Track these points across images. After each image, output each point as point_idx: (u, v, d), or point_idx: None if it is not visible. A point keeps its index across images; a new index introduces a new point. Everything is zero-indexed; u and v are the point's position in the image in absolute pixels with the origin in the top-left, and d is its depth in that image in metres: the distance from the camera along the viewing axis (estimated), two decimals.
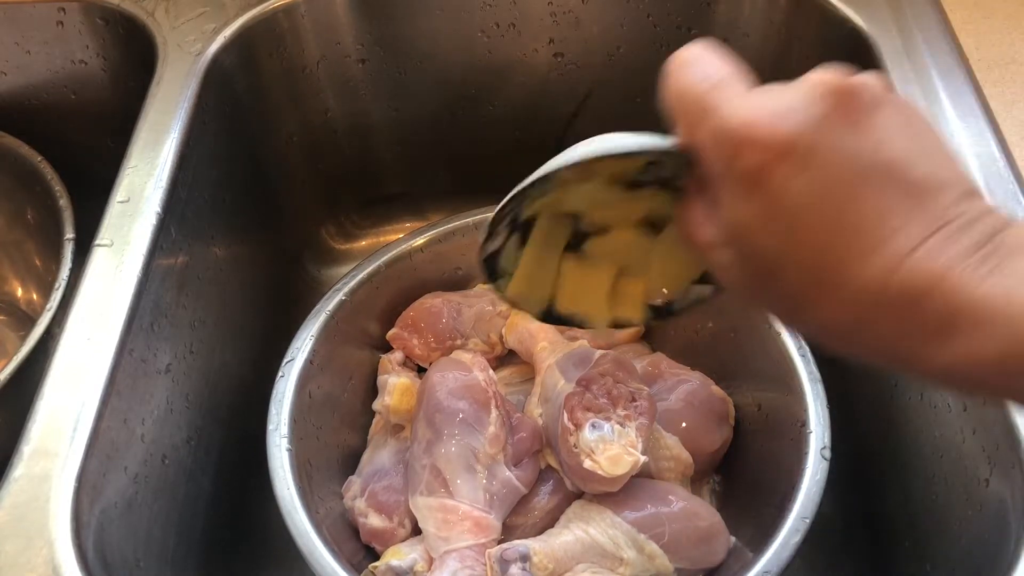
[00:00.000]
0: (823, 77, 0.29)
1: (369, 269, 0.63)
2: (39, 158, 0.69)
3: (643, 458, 0.53)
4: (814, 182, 0.27)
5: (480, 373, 0.58)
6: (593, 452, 0.52)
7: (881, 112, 0.28)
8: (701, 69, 0.30)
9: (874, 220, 0.27)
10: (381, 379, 0.62)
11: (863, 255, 0.27)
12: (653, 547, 0.53)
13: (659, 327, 0.67)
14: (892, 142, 0.28)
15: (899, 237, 0.27)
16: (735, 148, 0.28)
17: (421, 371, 0.63)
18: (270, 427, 0.55)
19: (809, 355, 0.56)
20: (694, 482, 0.59)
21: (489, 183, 0.77)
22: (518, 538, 0.53)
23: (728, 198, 0.30)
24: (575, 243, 0.39)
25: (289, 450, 0.54)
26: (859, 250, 0.27)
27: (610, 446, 0.52)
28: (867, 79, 0.29)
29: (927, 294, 0.27)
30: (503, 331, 0.64)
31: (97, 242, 0.53)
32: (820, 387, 0.54)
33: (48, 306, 0.59)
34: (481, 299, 0.65)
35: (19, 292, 0.80)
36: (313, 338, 0.59)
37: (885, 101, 0.28)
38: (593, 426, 0.53)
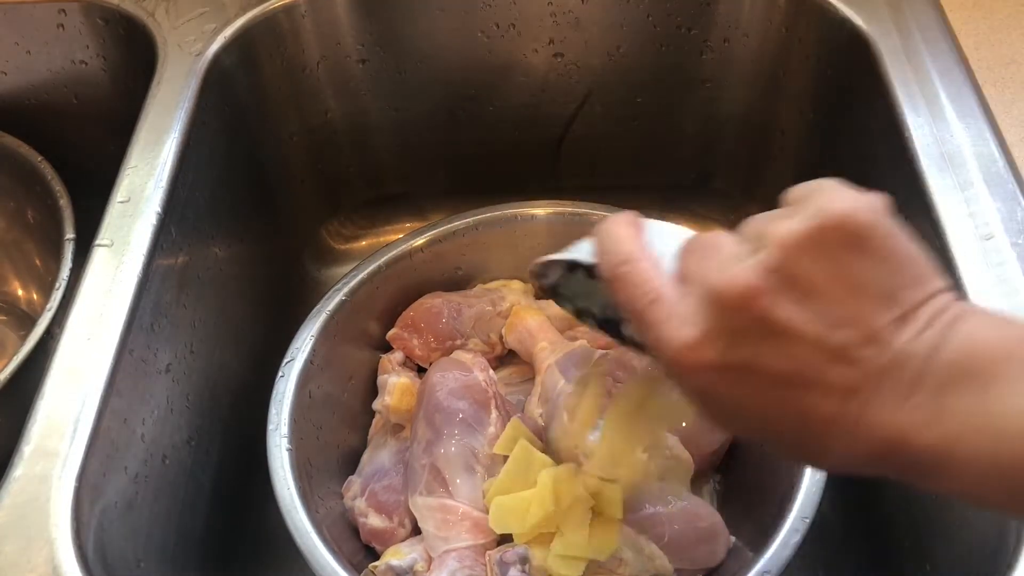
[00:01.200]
0: (718, 285, 0.30)
1: (369, 269, 0.63)
2: (39, 158, 0.69)
3: (643, 458, 0.53)
4: (751, 395, 0.31)
5: (480, 373, 0.58)
6: (593, 452, 0.52)
7: (791, 287, 0.29)
8: (638, 280, 0.33)
9: (816, 407, 0.30)
10: (381, 379, 0.62)
11: (825, 432, 0.30)
12: (653, 548, 0.53)
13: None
14: (810, 316, 0.29)
15: (845, 410, 0.29)
16: (677, 374, 0.32)
17: (421, 371, 0.63)
18: (270, 427, 0.55)
19: None
20: (694, 482, 0.59)
21: (489, 183, 0.77)
22: None
23: (693, 400, 0.33)
24: None
25: (289, 450, 0.54)
26: (820, 430, 0.30)
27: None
28: (768, 262, 0.30)
29: (890, 453, 0.30)
30: (503, 331, 0.64)
31: (97, 242, 0.53)
32: None
33: (48, 306, 0.59)
34: (481, 299, 0.65)
35: (19, 292, 0.80)
36: (313, 338, 0.59)
37: (795, 270, 0.29)
38: (594, 427, 0.52)
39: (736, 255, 0.31)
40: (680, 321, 0.31)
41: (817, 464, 0.33)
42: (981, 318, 0.30)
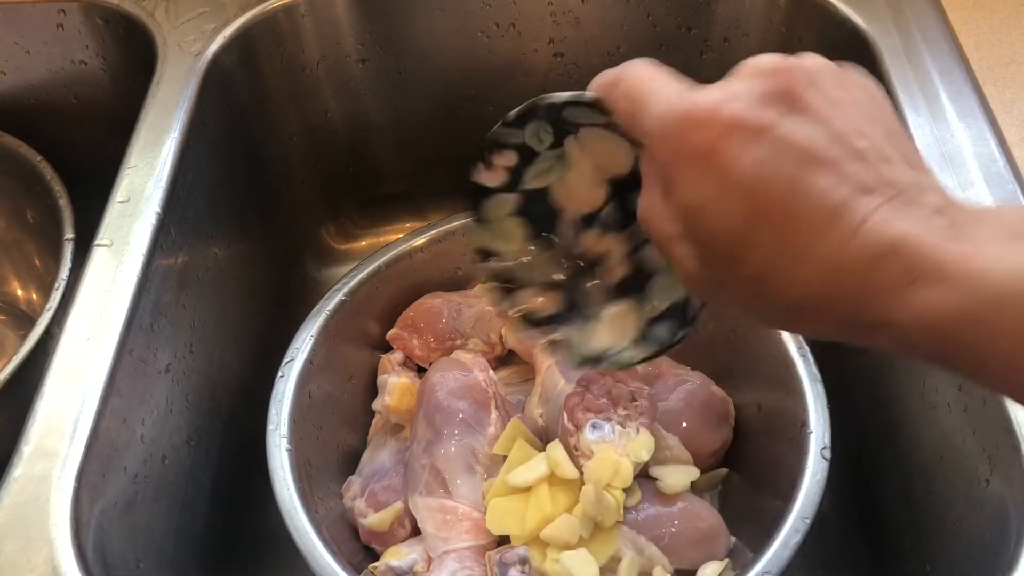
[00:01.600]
0: (759, 62, 0.30)
1: (369, 269, 0.63)
2: (39, 158, 0.68)
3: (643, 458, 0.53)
4: (763, 156, 0.28)
5: (480, 373, 0.58)
6: (594, 453, 0.52)
7: (819, 87, 0.29)
8: (644, 69, 0.32)
9: (826, 190, 0.27)
10: (381, 379, 0.62)
11: (820, 224, 0.27)
12: (653, 548, 0.53)
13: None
14: (834, 115, 0.28)
15: (855, 204, 0.27)
16: (683, 131, 0.29)
17: (421, 371, 0.63)
18: (270, 427, 0.55)
19: (809, 355, 0.56)
20: (694, 482, 0.59)
21: None
22: None
23: (680, 183, 0.30)
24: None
25: (289, 450, 0.54)
26: (816, 219, 0.27)
27: (610, 447, 0.52)
28: (803, 59, 0.30)
29: (887, 255, 0.27)
30: (503, 331, 0.64)
31: (97, 242, 0.53)
32: (820, 387, 0.54)
33: (48, 306, 0.59)
34: (481, 299, 0.65)
35: (19, 292, 0.80)
36: (313, 338, 0.59)
37: (823, 76, 0.29)
38: (594, 427, 0.53)
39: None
40: (703, 88, 0.30)
41: (794, 266, 0.28)
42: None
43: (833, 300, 0.28)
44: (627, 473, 0.52)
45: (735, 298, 0.31)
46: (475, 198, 0.38)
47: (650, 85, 0.32)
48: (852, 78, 0.30)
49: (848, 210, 0.27)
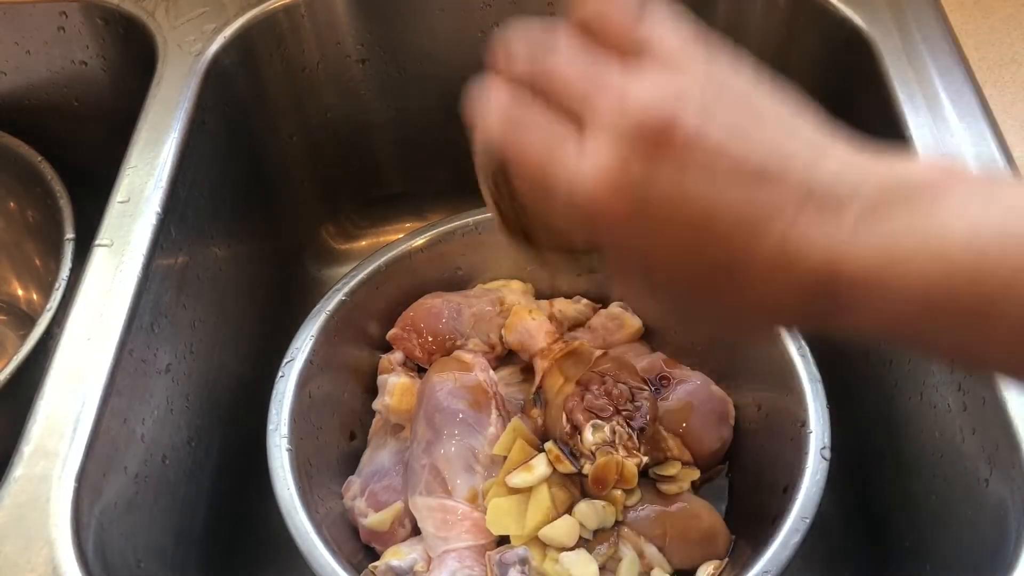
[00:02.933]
0: (623, 124, 0.28)
1: (369, 269, 0.63)
2: (39, 158, 0.68)
3: (644, 458, 0.53)
4: (671, 216, 0.28)
5: (481, 374, 0.58)
6: (594, 454, 0.52)
7: (692, 122, 0.27)
8: (532, 134, 0.30)
9: (740, 215, 0.27)
10: (381, 379, 0.62)
11: (752, 241, 0.27)
12: (652, 549, 0.53)
13: (659, 327, 0.67)
14: (717, 146, 0.27)
15: (773, 222, 0.27)
16: (590, 222, 0.29)
17: (421, 371, 0.63)
18: (270, 427, 0.55)
19: (809, 355, 0.56)
20: (694, 482, 0.59)
21: None
22: None
23: (611, 253, 0.31)
24: None
25: (289, 450, 0.54)
26: (745, 239, 0.27)
27: (610, 447, 0.52)
28: (663, 104, 0.28)
29: (826, 281, 0.27)
30: (503, 331, 0.64)
31: (97, 242, 0.53)
32: (820, 387, 0.54)
33: (48, 306, 0.59)
34: (481, 299, 0.65)
35: (19, 292, 0.80)
36: (313, 338, 0.59)
37: (689, 96, 0.28)
38: (593, 427, 0.53)
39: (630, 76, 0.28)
40: (584, 161, 0.28)
41: (755, 313, 0.29)
42: (906, 157, 0.28)
43: (802, 321, 0.29)
44: (631, 475, 0.52)
45: (703, 316, 0.32)
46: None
47: (545, 169, 0.29)
48: (721, 72, 0.29)
49: (767, 243, 0.27)
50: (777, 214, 0.27)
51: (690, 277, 0.29)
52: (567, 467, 0.52)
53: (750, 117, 0.28)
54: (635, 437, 0.53)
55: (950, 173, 0.27)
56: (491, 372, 0.59)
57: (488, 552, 0.52)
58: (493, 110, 0.31)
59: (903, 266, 0.26)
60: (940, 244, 0.26)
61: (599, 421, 0.53)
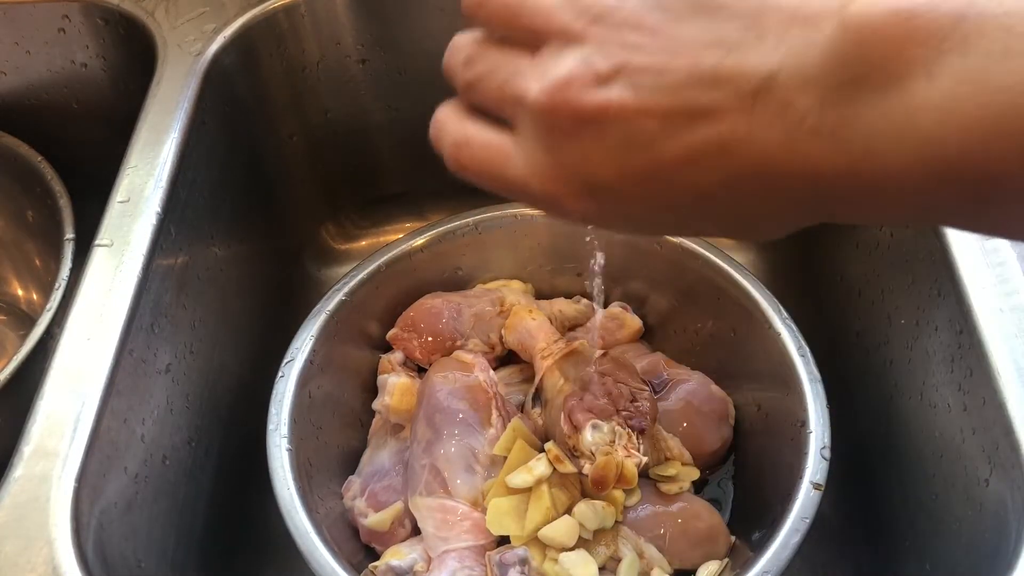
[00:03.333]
0: (534, 118, 0.27)
1: (369, 269, 0.63)
2: (39, 158, 0.68)
3: (644, 458, 0.53)
4: (623, 179, 0.27)
5: (481, 374, 0.58)
6: (594, 454, 0.52)
7: (589, 88, 0.26)
8: (475, 149, 0.30)
9: (688, 153, 0.25)
10: (381, 379, 0.62)
11: (713, 173, 0.26)
12: (652, 549, 0.53)
13: (659, 327, 0.67)
14: (626, 97, 0.25)
15: (727, 146, 0.25)
16: (557, 212, 0.29)
17: (421, 371, 0.63)
18: (270, 427, 0.55)
19: (809, 355, 0.56)
20: (694, 482, 0.59)
21: None
22: None
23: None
24: None
25: (289, 450, 0.54)
26: (704, 173, 0.26)
27: (610, 447, 0.52)
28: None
29: (810, 193, 0.25)
30: (503, 331, 0.64)
31: (97, 242, 0.53)
32: (820, 387, 0.54)
33: (48, 306, 0.59)
34: (481, 299, 0.65)
35: (19, 292, 0.80)
36: (313, 338, 0.59)
37: (580, 67, 0.26)
38: (593, 427, 0.52)
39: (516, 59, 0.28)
40: (523, 154, 0.28)
41: (752, 224, 0.28)
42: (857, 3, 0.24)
43: (802, 225, 0.28)
44: (631, 475, 0.52)
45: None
46: None
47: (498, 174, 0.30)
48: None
49: (726, 157, 0.25)
50: (726, 137, 0.25)
51: (667, 219, 0.29)
52: (567, 467, 0.52)
53: (656, 33, 0.25)
54: (635, 437, 0.53)
55: (913, 23, 0.23)
56: (491, 372, 0.59)
57: (488, 552, 0.52)
58: (438, 132, 0.32)
59: (881, 159, 0.23)
60: (916, 131, 0.23)
61: (599, 421, 0.53)
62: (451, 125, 0.31)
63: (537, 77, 0.27)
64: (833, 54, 0.24)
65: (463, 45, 0.31)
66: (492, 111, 0.30)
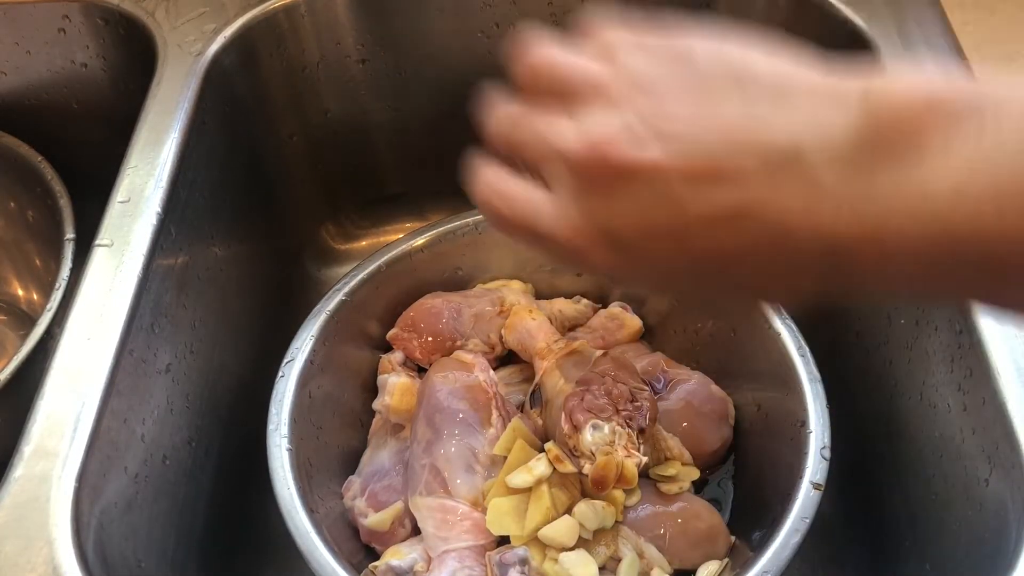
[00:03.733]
0: (567, 173, 0.29)
1: (369, 269, 0.63)
2: (39, 158, 0.68)
3: (644, 459, 0.53)
4: (647, 237, 0.28)
5: (481, 374, 0.58)
6: (594, 454, 0.52)
7: (624, 146, 0.27)
8: (508, 202, 0.32)
9: (712, 214, 0.27)
10: (381, 379, 0.62)
11: (734, 235, 0.27)
12: (652, 549, 0.53)
13: (659, 327, 0.67)
14: (659, 158, 0.27)
15: (749, 209, 0.26)
16: (580, 265, 0.31)
17: (421, 371, 0.63)
18: (270, 427, 0.55)
19: (809, 355, 0.56)
20: (694, 482, 0.59)
21: None
22: None
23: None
24: None
25: (289, 450, 0.54)
26: (726, 235, 0.27)
27: (610, 447, 0.52)
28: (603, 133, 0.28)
29: (828, 257, 0.26)
30: (503, 331, 0.64)
31: (97, 242, 0.53)
32: (820, 387, 0.54)
33: (48, 306, 0.59)
34: (481, 299, 0.65)
35: (19, 292, 0.80)
36: (313, 338, 0.59)
37: (617, 126, 0.28)
38: (593, 427, 0.52)
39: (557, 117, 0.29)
40: (554, 207, 0.30)
41: (765, 293, 0.30)
42: (882, 78, 0.26)
43: (817, 298, 0.29)
44: (631, 475, 0.52)
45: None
46: None
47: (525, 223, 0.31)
48: (651, 70, 0.29)
49: (756, 245, 0.27)
50: (750, 202, 0.26)
51: (687, 278, 0.30)
52: (567, 467, 0.52)
53: (692, 103, 0.27)
54: (635, 437, 0.53)
55: (932, 105, 0.24)
56: (491, 372, 0.59)
57: (488, 552, 0.52)
58: (478, 185, 0.33)
59: (896, 231, 0.24)
60: (930, 206, 0.24)
61: (599, 421, 0.53)
62: (494, 182, 0.32)
63: (578, 133, 0.29)
64: (855, 130, 0.25)
65: (506, 109, 0.32)
66: (531, 169, 0.31)
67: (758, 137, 0.26)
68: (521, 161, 0.32)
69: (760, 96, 0.27)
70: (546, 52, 0.31)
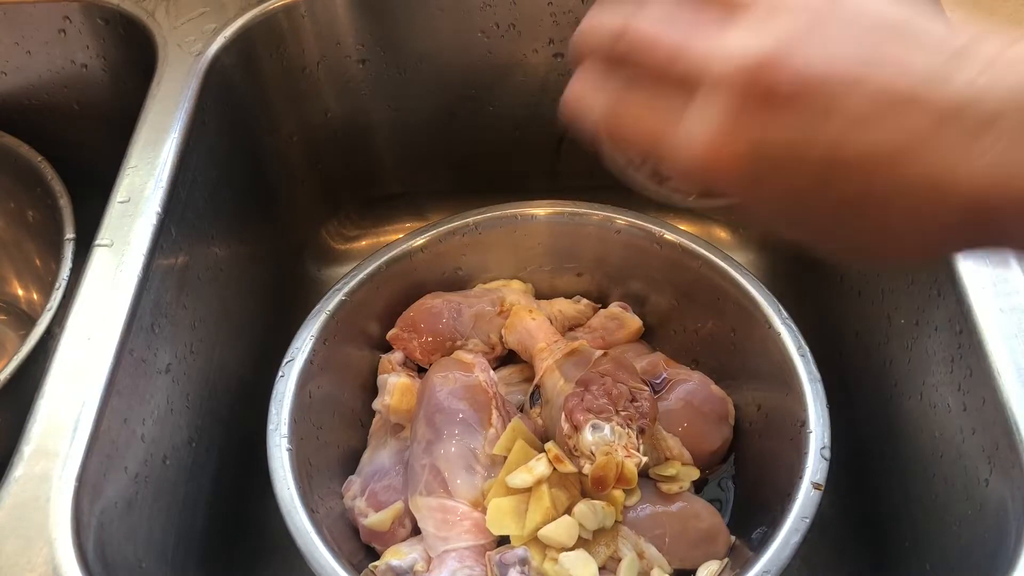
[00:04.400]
0: (725, 82, 0.27)
1: (369, 269, 0.63)
2: (39, 158, 0.69)
3: (643, 458, 0.53)
4: (796, 166, 0.27)
5: (481, 374, 0.58)
6: (594, 454, 0.52)
7: (798, 64, 0.26)
8: (631, 114, 0.30)
9: (870, 151, 0.26)
10: (381, 379, 0.62)
11: (887, 176, 0.26)
12: (652, 549, 0.53)
13: (659, 327, 0.67)
14: (831, 83, 0.26)
15: (910, 153, 0.26)
16: (713, 185, 0.29)
17: (421, 371, 0.63)
18: (270, 427, 0.55)
19: (809, 355, 0.56)
20: (694, 482, 0.59)
21: (489, 183, 0.77)
22: None
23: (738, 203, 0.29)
24: None
25: (289, 450, 0.54)
26: (879, 175, 0.26)
27: (610, 448, 0.52)
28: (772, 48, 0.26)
29: (966, 201, 0.25)
30: (503, 331, 0.64)
31: (97, 242, 0.53)
32: (820, 387, 0.54)
33: (48, 306, 0.59)
34: (481, 299, 0.65)
35: (19, 292, 0.80)
36: (313, 338, 0.59)
37: (792, 41, 0.26)
38: (593, 427, 0.52)
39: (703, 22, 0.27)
40: (694, 120, 0.27)
41: (903, 246, 0.28)
42: None
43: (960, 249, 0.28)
44: (631, 475, 0.52)
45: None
46: None
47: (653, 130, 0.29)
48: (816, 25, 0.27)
49: (909, 181, 0.26)
50: (913, 144, 0.25)
51: (825, 218, 0.28)
52: (567, 467, 0.52)
53: (866, 37, 0.26)
54: (635, 437, 0.53)
55: None
56: (491, 372, 0.59)
57: (488, 552, 0.52)
58: (582, 99, 0.30)
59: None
60: None
61: (599, 421, 0.53)
62: (601, 93, 0.30)
63: (735, 38, 0.27)
64: (1008, 91, 0.25)
65: (607, 19, 0.30)
66: (656, 71, 0.29)
67: (926, 88, 0.25)
68: (639, 72, 0.29)
69: (936, 47, 0.26)
70: None
